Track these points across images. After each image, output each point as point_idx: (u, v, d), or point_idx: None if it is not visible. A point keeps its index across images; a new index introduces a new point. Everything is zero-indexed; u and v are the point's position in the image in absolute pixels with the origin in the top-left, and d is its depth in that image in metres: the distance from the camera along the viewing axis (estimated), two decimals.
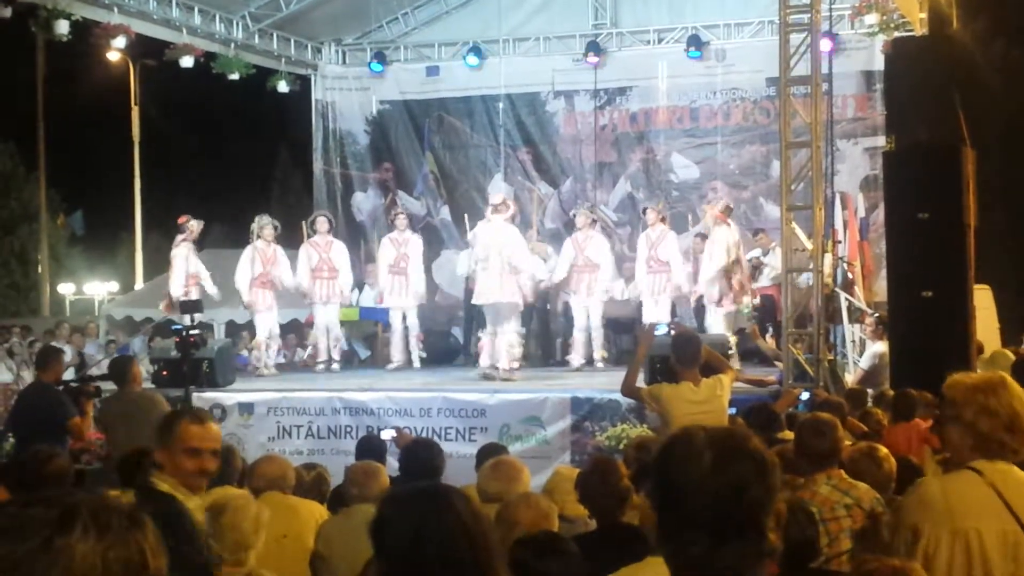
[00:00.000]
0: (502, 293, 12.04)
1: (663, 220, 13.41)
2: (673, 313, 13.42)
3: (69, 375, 11.68)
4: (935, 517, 3.23)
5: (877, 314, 12.08)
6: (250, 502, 4.41)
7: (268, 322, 13.44)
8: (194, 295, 12.69)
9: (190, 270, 13.32)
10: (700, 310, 13.56)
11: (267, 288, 13.29)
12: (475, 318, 14.25)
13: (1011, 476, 3.21)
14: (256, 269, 13.20)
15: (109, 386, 9.02)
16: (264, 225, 13.41)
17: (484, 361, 12.31)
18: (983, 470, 3.20)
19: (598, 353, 13.32)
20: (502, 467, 5.05)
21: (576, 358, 13.34)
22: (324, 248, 13.68)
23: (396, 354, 13.82)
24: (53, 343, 16.95)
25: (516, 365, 12.37)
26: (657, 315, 12.68)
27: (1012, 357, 10.72)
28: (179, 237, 13.44)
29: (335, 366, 13.70)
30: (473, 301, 12.51)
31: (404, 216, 14.21)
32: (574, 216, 13.86)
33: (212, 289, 13.52)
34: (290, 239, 13.97)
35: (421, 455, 5.60)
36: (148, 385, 10.15)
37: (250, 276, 13.19)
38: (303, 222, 14.16)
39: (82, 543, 1.47)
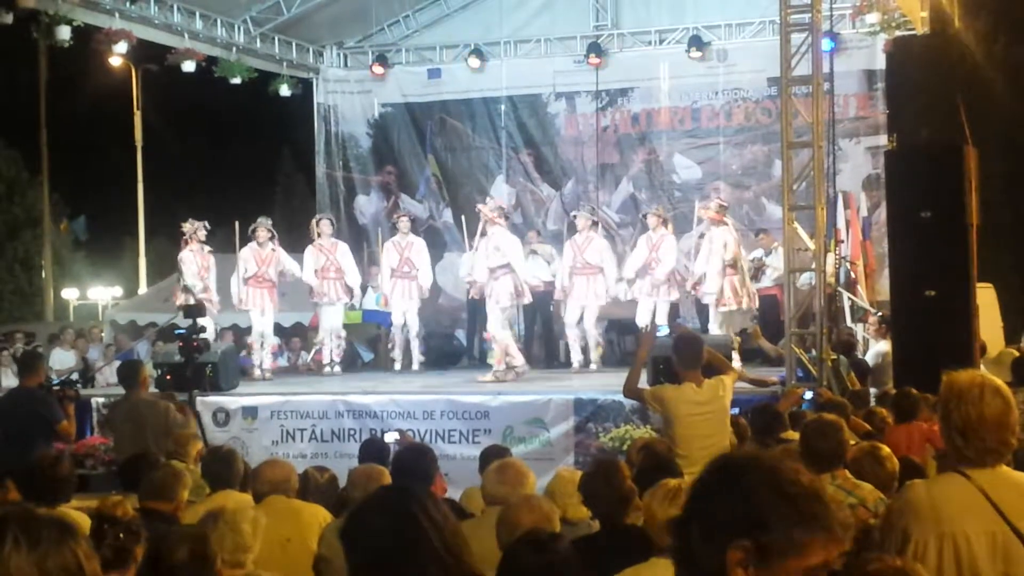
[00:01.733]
0: (524, 295, 12.53)
1: (664, 223, 13.36)
2: (675, 315, 13.37)
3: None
4: (922, 520, 3.22)
5: (880, 313, 12.08)
6: (248, 505, 4.42)
7: (260, 325, 13.37)
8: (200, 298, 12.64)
9: (193, 270, 13.20)
10: (702, 310, 13.52)
11: (262, 288, 13.25)
12: (478, 320, 14.28)
13: (999, 477, 3.21)
14: (249, 270, 13.19)
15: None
16: (257, 227, 13.39)
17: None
18: (970, 473, 3.20)
19: (593, 354, 13.30)
20: (508, 471, 5.03)
21: (573, 358, 13.34)
22: (330, 250, 13.73)
23: (399, 356, 13.86)
24: (58, 348, 17.02)
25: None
26: (649, 316, 12.72)
27: (1016, 356, 10.69)
28: (182, 242, 13.41)
29: (336, 368, 13.73)
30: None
31: (407, 219, 14.21)
32: (574, 218, 13.85)
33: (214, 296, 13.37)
34: (296, 243, 13.96)
35: (407, 461, 5.59)
36: (152, 390, 10.15)
37: (241, 276, 13.16)
38: (313, 221, 14.18)
39: (15, 555, 1.50)
